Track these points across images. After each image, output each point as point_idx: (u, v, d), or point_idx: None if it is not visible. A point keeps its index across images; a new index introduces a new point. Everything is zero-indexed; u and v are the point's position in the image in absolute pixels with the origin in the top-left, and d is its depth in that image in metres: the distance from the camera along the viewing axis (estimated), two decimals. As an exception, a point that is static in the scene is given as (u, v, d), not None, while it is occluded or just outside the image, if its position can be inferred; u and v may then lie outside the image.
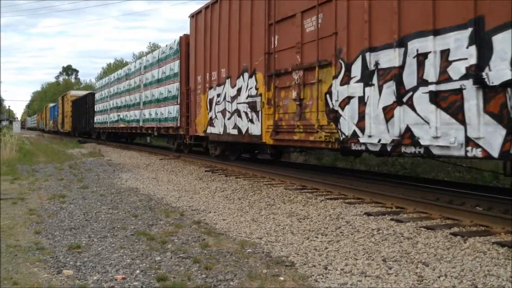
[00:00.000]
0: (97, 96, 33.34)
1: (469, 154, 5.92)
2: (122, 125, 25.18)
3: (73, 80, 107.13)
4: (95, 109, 33.09)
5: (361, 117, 7.81)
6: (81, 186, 9.81)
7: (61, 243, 5.27)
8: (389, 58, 7.20)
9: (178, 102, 16.44)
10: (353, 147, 8.01)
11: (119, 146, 25.94)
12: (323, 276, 4.14)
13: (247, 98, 11.55)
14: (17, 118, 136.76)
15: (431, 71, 6.45)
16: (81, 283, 3.98)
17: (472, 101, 5.87)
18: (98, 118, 32.28)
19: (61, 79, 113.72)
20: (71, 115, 43.44)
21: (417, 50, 6.69)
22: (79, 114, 39.37)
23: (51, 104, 65.61)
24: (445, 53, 6.28)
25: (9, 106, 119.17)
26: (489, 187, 9.09)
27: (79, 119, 39.69)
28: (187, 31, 16.64)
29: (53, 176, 11.79)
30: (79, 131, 40.18)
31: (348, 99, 8.10)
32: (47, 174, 12.26)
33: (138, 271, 4.28)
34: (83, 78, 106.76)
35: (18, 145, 21.33)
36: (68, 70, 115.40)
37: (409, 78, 6.83)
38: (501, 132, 5.53)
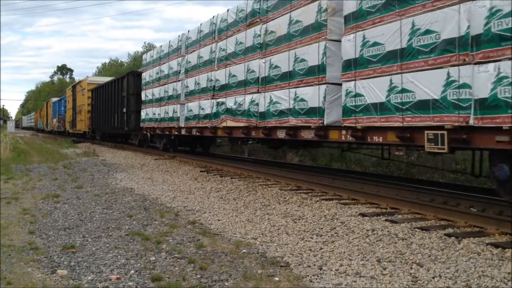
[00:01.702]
0: (147, 76, 19.79)
1: None
2: (233, 123, 12.16)
3: (67, 80, 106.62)
4: (145, 98, 19.88)
5: None
6: (76, 186, 9.78)
7: (55, 243, 5.25)
8: None
9: None
10: None
11: (114, 146, 25.77)
12: (318, 276, 4.14)
13: None
14: (11, 117, 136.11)
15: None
16: (75, 283, 3.97)
17: None
18: (151, 111, 18.85)
19: (55, 78, 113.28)
20: (90, 110, 31.42)
21: None
22: (106, 108, 26.50)
23: (55, 99, 52.54)
24: None
25: (3, 106, 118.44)
26: (484, 188, 9.12)
27: (105, 115, 26.87)
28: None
29: (47, 175, 11.75)
30: (105, 132, 28.26)
31: None
32: (41, 173, 12.21)
33: (132, 271, 4.27)
34: (77, 78, 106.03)
35: (12, 144, 21.22)
36: (63, 69, 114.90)
37: None
38: None
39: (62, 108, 44.22)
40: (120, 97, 23.65)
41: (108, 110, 26.03)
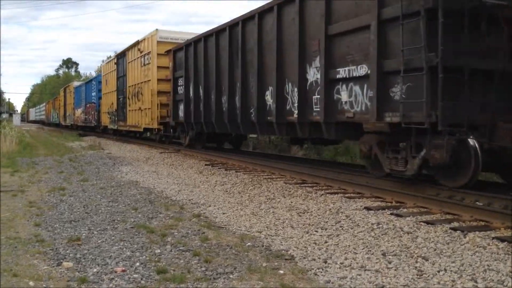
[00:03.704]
0: None
1: None
2: None
3: (73, 73, 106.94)
4: None
5: None
6: (81, 179, 9.81)
7: (61, 236, 5.27)
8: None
9: None
10: None
11: (119, 140, 25.77)
12: (322, 269, 4.14)
13: None
14: (17, 110, 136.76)
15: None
16: (80, 275, 3.98)
17: None
18: None
19: (61, 72, 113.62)
20: (171, 89, 17.05)
21: None
22: (236, 80, 12.20)
23: (77, 83, 40.01)
24: None
25: (9, 99, 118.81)
26: (489, 182, 9.08)
27: (230, 93, 12.44)
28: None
29: (53, 168, 11.79)
30: (219, 130, 13.64)
31: None
32: (47, 166, 12.26)
33: (138, 264, 4.28)
34: (83, 71, 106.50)
35: (18, 137, 21.31)
36: (68, 63, 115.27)
37: None
38: None
39: (93, 94, 30.54)
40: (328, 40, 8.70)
41: (243, 81, 11.82)
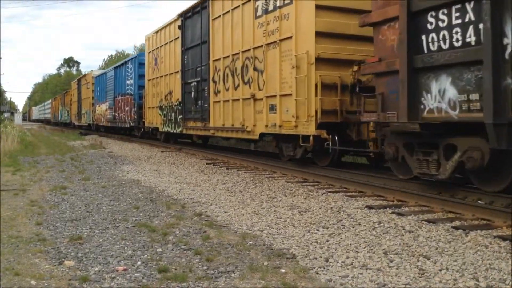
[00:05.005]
0: None
1: None
2: None
3: (74, 72, 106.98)
4: None
5: None
6: (83, 178, 9.82)
7: (63, 234, 5.28)
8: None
9: None
10: None
11: (120, 138, 25.77)
12: (324, 268, 4.14)
13: None
14: (19, 109, 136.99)
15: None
16: (82, 274, 3.99)
17: None
18: None
19: (62, 70, 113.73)
20: (347, 57, 9.16)
21: None
22: None
23: (98, 72, 31.80)
24: None
25: (10, 98, 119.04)
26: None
27: None
28: None
29: (54, 167, 11.80)
30: None
31: None
32: (49, 165, 12.27)
33: (139, 263, 4.28)
34: (84, 70, 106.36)
35: (19, 136, 21.34)
36: (70, 62, 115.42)
37: None
38: None
39: (128, 82, 22.10)
40: None
41: None
